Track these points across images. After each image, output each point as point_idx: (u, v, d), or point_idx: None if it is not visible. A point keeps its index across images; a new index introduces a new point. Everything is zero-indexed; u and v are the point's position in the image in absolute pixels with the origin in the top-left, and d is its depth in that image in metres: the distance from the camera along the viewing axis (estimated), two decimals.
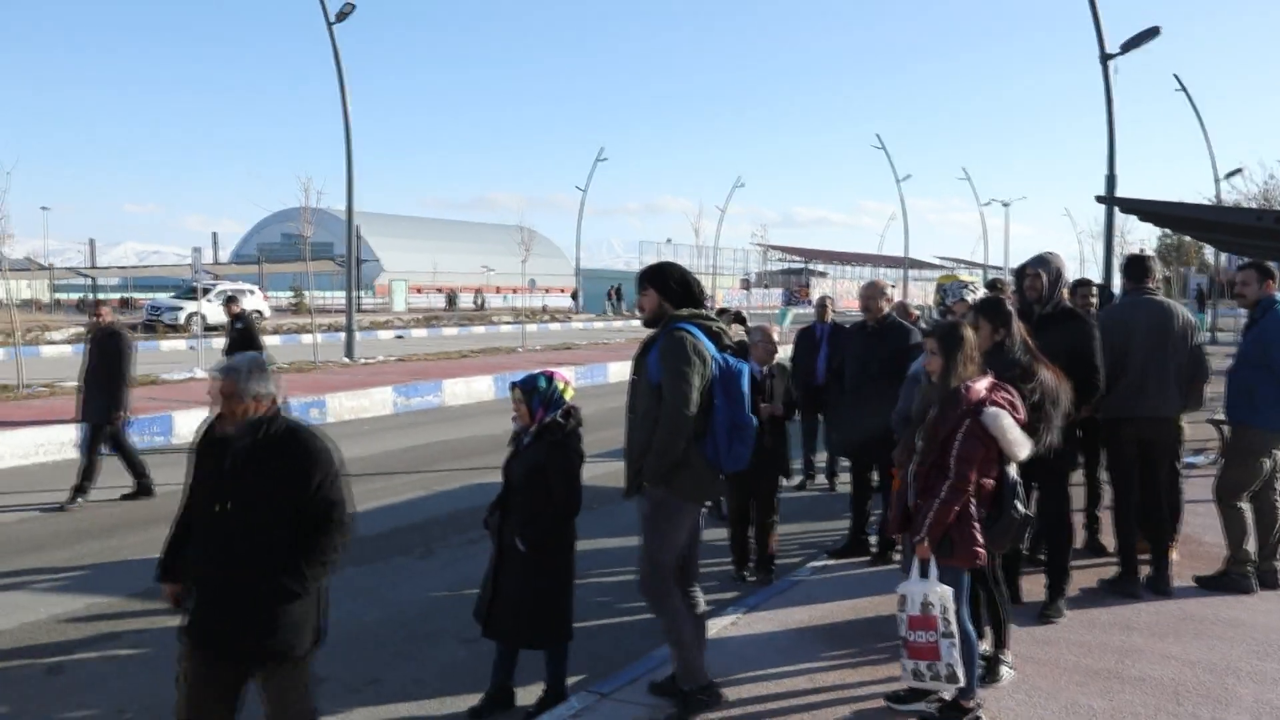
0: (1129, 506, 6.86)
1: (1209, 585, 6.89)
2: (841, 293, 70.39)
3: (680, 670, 4.90)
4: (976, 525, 4.60)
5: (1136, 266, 7.02)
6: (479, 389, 19.71)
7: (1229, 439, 7.17)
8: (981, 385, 4.63)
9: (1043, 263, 6.46)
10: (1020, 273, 6.60)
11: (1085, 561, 7.46)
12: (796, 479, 10.57)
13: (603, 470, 12.22)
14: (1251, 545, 6.91)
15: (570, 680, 5.30)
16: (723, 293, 69.31)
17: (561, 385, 5.08)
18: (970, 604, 5.00)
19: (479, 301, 64.42)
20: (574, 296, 66.29)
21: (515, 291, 60.42)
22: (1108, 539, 7.70)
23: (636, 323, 49.43)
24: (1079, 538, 7.90)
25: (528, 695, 5.27)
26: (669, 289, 4.85)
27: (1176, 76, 36.40)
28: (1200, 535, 8.10)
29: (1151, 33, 20.37)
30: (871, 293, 7.72)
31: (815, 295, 38.60)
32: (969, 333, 4.75)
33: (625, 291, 61.54)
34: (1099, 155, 23.07)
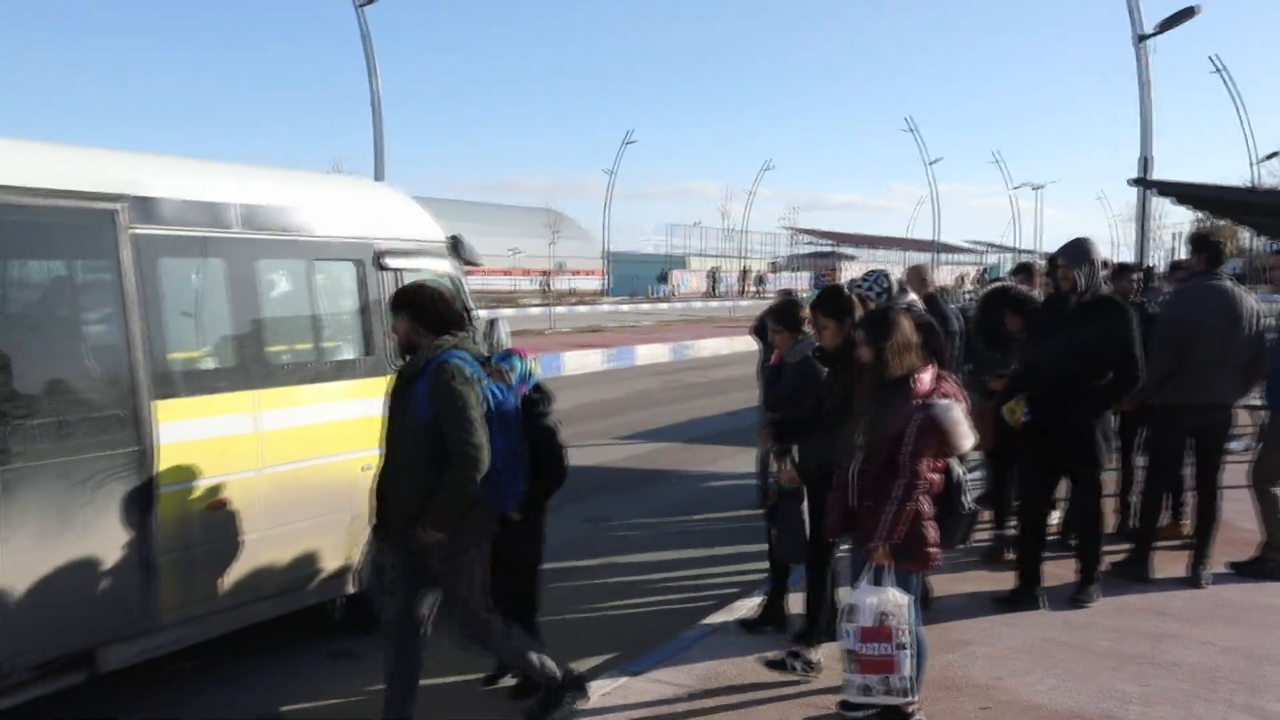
0: (1161, 492, 6.85)
1: (1244, 571, 6.85)
2: None
3: (539, 676, 4.70)
4: (930, 524, 4.36)
5: (1211, 249, 6.84)
6: None
7: (1266, 424, 7.12)
8: (928, 376, 4.38)
9: (1073, 253, 6.19)
10: (1053, 261, 6.51)
11: (1116, 546, 7.42)
12: None
13: (629, 453, 12.32)
14: None
15: (599, 660, 5.43)
16: (752, 276, 69.13)
17: (530, 362, 5.22)
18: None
19: (545, 286, 62.59)
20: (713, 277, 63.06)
21: (543, 274, 60.24)
22: None
23: (665, 305, 49.41)
24: (1110, 522, 7.88)
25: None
26: (424, 314, 4.38)
27: (1213, 58, 35.84)
28: (1236, 521, 8.02)
29: (1188, 13, 20.04)
30: (915, 276, 7.95)
31: (844, 279, 38.28)
32: (903, 319, 4.47)
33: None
34: (1134, 138, 22.60)
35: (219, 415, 5.01)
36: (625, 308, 51.25)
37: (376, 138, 25.81)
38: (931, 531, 4.36)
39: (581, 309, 47.12)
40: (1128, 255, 55.63)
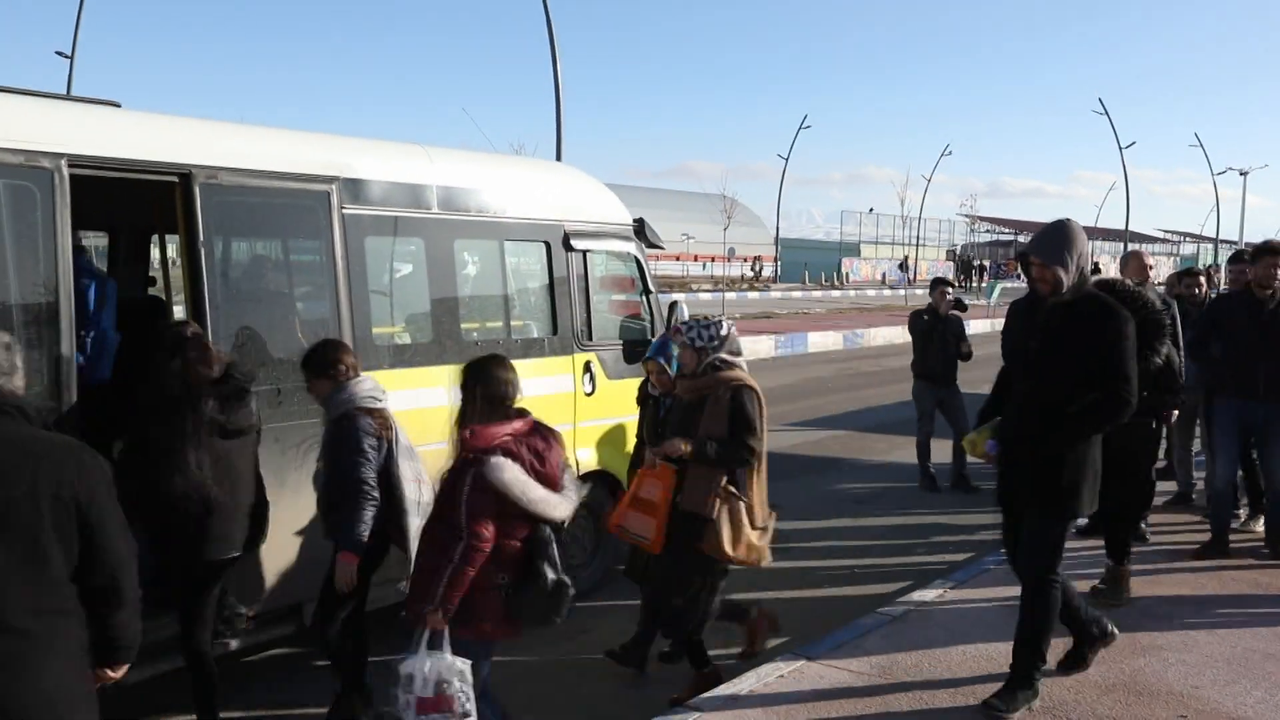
0: None
1: None
2: None
3: None
4: (492, 594, 3.86)
5: None
6: None
7: None
8: (501, 429, 3.83)
9: (1049, 245, 4.61)
10: (1023, 258, 4.73)
11: None
12: None
13: (803, 439, 12.26)
14: None
15: (775, 642, 5.46)
16: (926, 264, 67.40)
17: None
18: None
19: (757, 269, 61.71)
20: (901, 266, 59.56)
21: (714, 260, 60.27)
22: None
23: (837, 293, 48.86)
24: None
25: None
26: None
27: None
28: None
29: None
30: (1135, 262, 7.66)
31: None
32: (501, 371, 3.93)
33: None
34: None
35: (416, 388, 5.27)
36: (797, 294, 50.81)
37: (557, 123, 26.41)
38: (493, 603, 3.88)
39: (752, 295, 46.90)
40: None
